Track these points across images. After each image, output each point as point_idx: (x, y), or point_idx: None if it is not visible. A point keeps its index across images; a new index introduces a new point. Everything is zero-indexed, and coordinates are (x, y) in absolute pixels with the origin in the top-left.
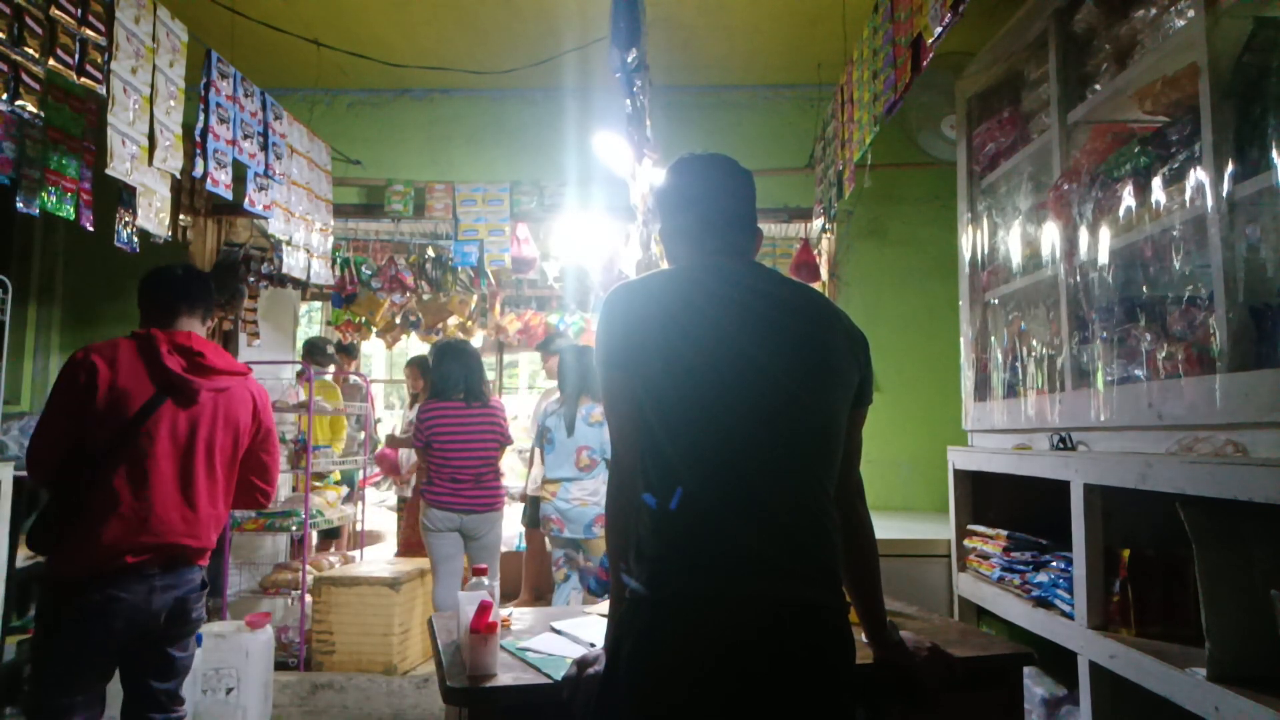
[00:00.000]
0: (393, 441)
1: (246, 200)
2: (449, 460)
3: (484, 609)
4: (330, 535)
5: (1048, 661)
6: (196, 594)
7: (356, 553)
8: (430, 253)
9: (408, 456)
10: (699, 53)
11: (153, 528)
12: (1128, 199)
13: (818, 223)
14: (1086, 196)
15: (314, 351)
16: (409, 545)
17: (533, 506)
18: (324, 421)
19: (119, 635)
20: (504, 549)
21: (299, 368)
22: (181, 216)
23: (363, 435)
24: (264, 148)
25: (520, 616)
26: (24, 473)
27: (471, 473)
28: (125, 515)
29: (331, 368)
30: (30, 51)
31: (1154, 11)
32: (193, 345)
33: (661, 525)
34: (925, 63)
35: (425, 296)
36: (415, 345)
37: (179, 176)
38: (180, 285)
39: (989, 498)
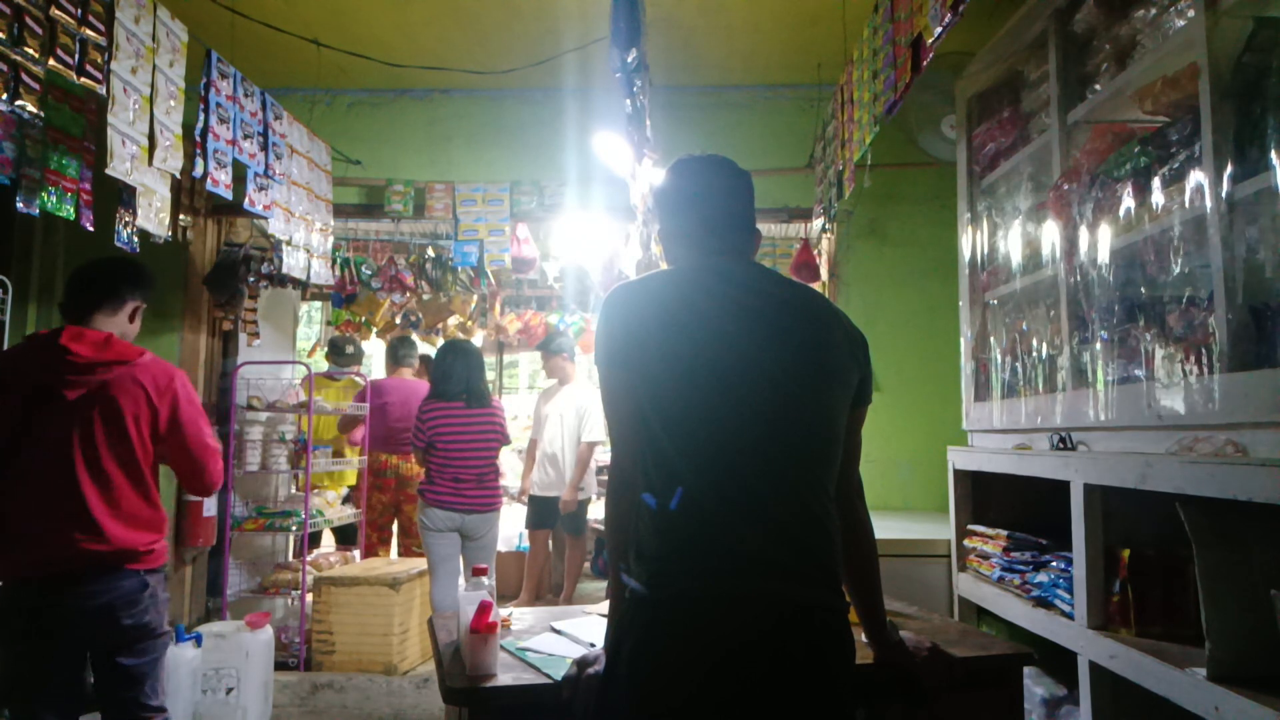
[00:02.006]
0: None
1: (246, 200)
2: (452, 460)
3: (484, 609)
4: (347, 539)
5: (1048, 661)
6: (127, 599)
7: (356, 553)
8: (430, 253)
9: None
10: (699, 53)
11: (42, 541)
12: (1128, 199)
13: (818, 223)
14: (1086, 196)
15: (334, 350)
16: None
17: (533, 508)
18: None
19: (49, 644)
20: (504, 549)
21: (309, 367)
22: (181, 216)
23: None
24: (264, 148)
25: (520, 616)
26: None
27: (474, 473)
28: (16, 531)
29: (354, 367)
30: (30, 51)
31: (1154, 11)
32: (61, 341)
33: (661, 525)
34: (925, 63)
35: (425, 296)
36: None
37: (179, 176)
38: (82, 282)
39: (989, 498)
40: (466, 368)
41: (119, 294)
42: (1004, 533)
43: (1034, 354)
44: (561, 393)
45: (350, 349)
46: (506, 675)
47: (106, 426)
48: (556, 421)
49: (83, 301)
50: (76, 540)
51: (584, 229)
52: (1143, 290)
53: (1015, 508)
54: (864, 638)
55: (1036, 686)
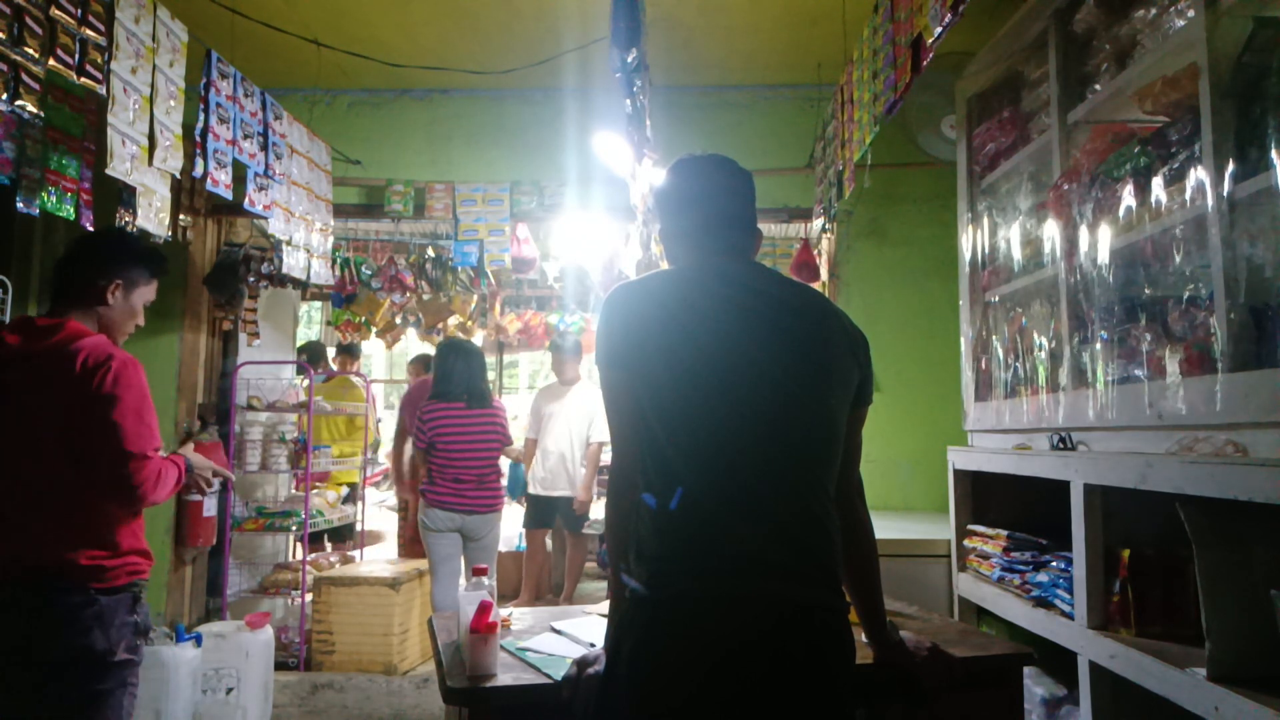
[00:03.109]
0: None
1: (246, 200)
2: (453, 461)
3: (484, 609)
4: (342, 537)
5: (1048, 661)
6: (64, 617)
7: (357, 553)
8: (430, 253)
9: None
10: (699, 53)
11: None
12: (1128, 199)
13: (818, 223)
14: (1086, 196)
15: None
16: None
17: (532, 506)
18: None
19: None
20: (504, 549)
21: (308, 367)
22: (181, 216)
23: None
24: (264, 148)
25: (520, 616)
26: None
27: (475, 474)
28: None
29: (328, 368)
30: (30, 51)
31: (1154, 11)
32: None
33: (661, 525)
34: (925, 63)
35: (425, 296)
36: (415, 345)
37: (179, 176)
38: (54, 277)
39: (989, 498)
40: (468, 368)
41: (86, 277)
42: (1004, 533)
43: (1034, 354)
44: (569, 393)
45: (303, 355)
46: (506, 675)
47: (38, 420)
48: (563, 422)
49: (54, 300)
50: (4, 546)
51: (584, 229)
52: (1143, 290)
53: (1015, 508)
54: (864, 638)
55: (1036, 686)
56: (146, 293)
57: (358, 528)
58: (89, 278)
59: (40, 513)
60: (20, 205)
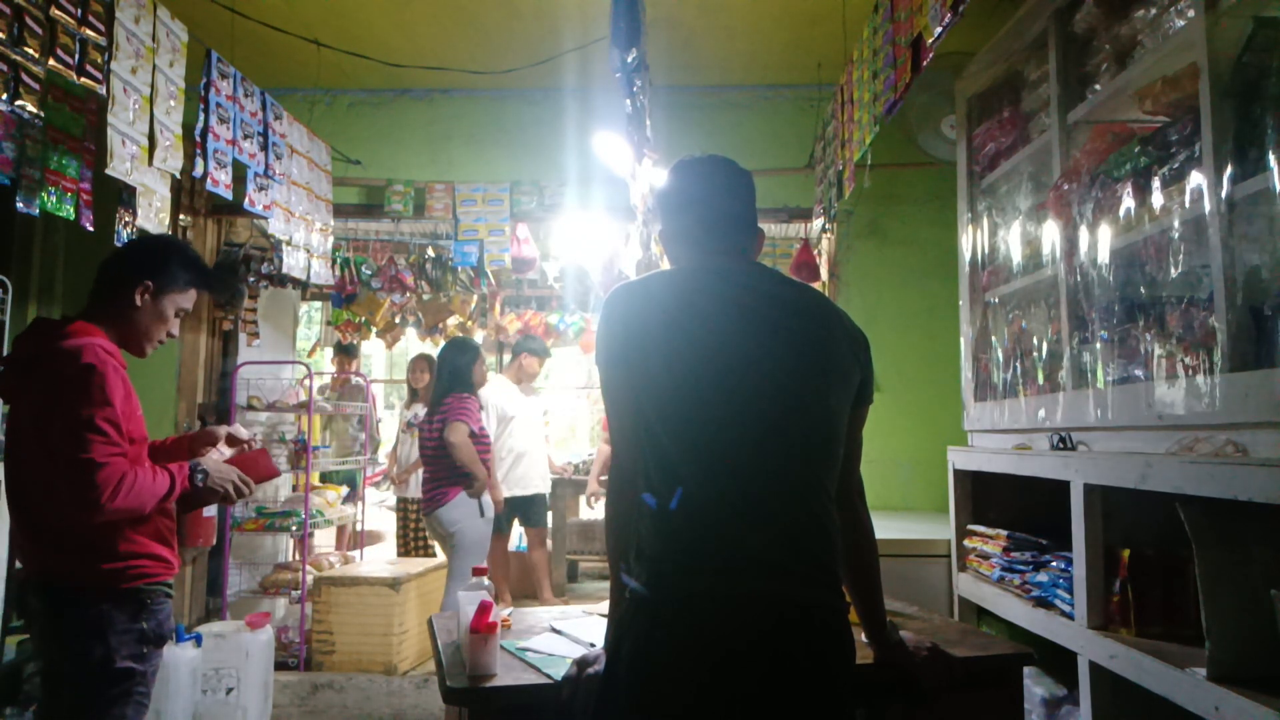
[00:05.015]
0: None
1: (246, 200)
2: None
3: (484, 609)
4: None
5: (1048, 661)
6: (55, 628)
7: (357, 553)
8: (430, 253)
9: (406, 456)
10: (699, 53)
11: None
12: (1127, 199)
13: (818, 223)
14: (1086, 196)
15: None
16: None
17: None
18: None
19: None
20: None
21: (309, 367)
22: (181, 216)
23: (363, 435)
24: (264, 148)
25: (520, 616)
26: None
27: (424, 470)
28: None
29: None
30: (30, 51)
31: (1154, 11)
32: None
33: (662, 525)
34: (925, 63)
35: (425, 296)
36: (415, 345)
37: (179, 176)
38: None
39: (989, 498)
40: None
41: (117, 277)
42: (1004, 533)
43: (1034, 354)
44: (530, 394)
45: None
46: (506, 675)
47: (25, 426)
48: (527, 422)
49: (88, 300)
50: (21, 554)
51: (584, 229)
52: (1143, 290)
53: (1015, 508)
54: (864, 638)
55: (1036, 686)
56: (180, 300)
57: (357, 528)
58: (120, 278)
59: (33, 520)
60: (20, 205)
